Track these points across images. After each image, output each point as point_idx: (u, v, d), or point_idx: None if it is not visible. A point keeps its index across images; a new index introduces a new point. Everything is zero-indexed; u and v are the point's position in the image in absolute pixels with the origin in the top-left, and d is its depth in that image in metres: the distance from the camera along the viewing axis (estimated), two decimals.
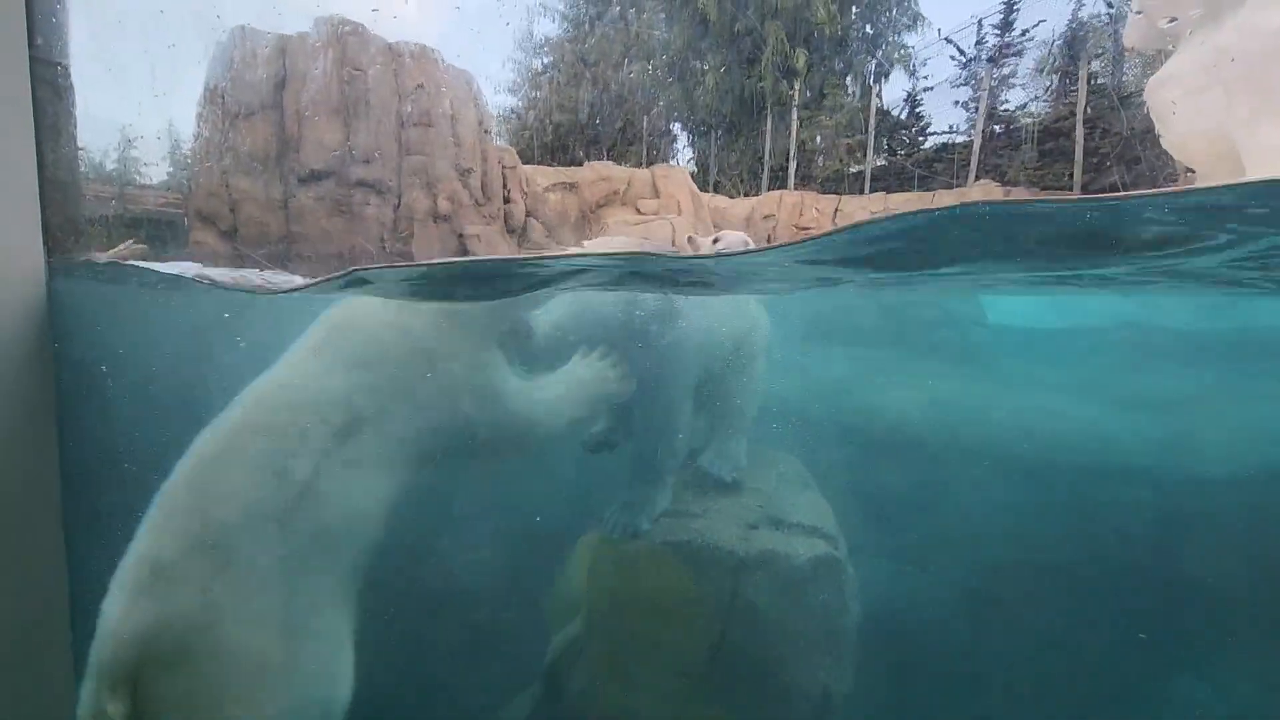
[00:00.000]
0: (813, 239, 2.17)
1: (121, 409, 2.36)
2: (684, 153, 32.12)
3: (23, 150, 1.69)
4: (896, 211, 1.86)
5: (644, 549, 3.14)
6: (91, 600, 1.88)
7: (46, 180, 1.73)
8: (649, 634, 3.06)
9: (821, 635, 3.14)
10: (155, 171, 14.50)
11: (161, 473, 2.31)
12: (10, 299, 1.71)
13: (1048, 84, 21.31)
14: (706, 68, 27.53)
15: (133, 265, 2.78)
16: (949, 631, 4.28)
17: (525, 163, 21.10)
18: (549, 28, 33.73)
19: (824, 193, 21.97)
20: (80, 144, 1.95)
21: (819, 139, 25.16)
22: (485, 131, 16.39)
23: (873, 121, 23.58)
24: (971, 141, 20.97)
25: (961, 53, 23.49)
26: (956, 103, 23.10)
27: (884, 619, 3.82)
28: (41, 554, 1.98)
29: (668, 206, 18.81)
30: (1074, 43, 20.08)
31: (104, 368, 2.21)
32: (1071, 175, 18.31)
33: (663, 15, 28.66)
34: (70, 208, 1.79)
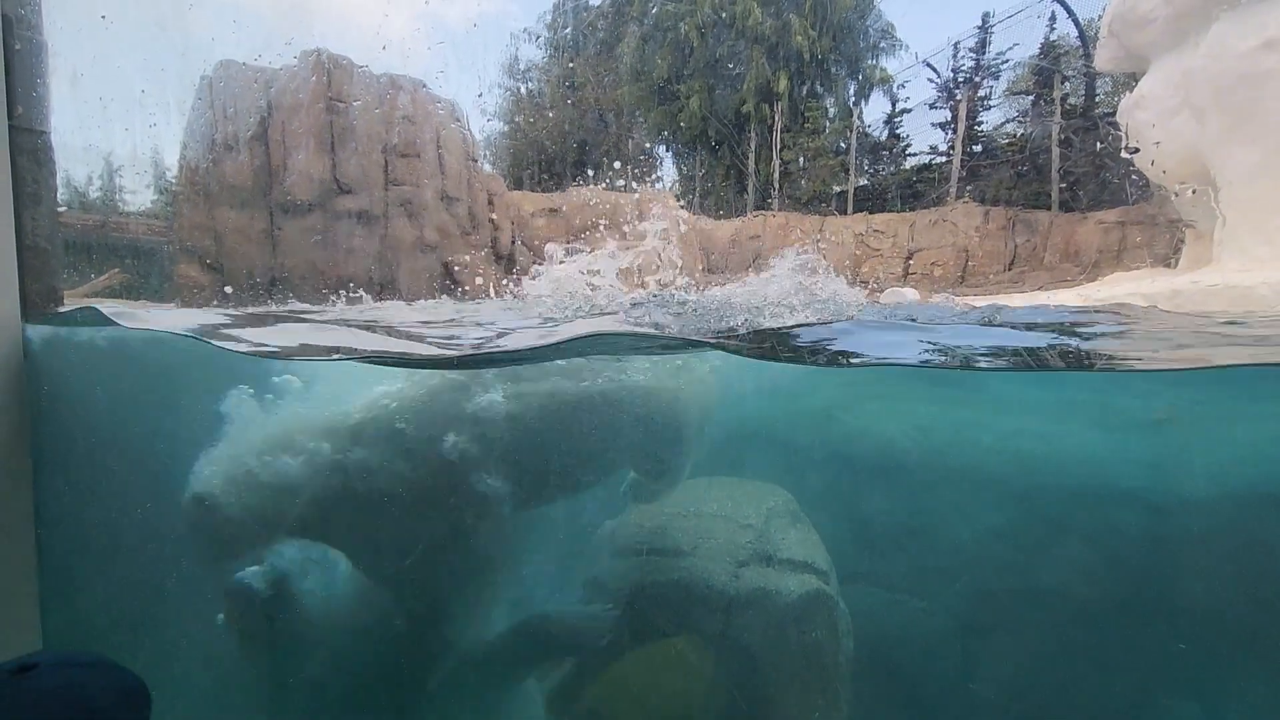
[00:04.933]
0: None
1: (96, 469, 2.34)
2: (669, 175, 32.48)
3: (1, 218, 1.69)
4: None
5: (637, 594, 3.12)
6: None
7: (25, 247, 1.73)
8: (641, 677, 3.02)
9: (814, 674, 3.11)
10: (139, 199, 14.47)
11: (133, 520, 2.27)
12: None
13: (1023, 105, 21.77)
14: (690, 91, 27.91)
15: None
16: (942, 660, 4.26)
17: (511, 188, 21.22)
18: (534, 53, 34.15)
19: (808, 213, 22.21)
20: (60, 208, 1.95)
21: (801, 160, 25.50)
22: (471, 160, 16.49)
23: (854, 143, 23.96)
24: (951, 161, 21.33)
25: (939, 75, 23.98)
26: (935, 124, 23.52)
27: (877, 651, 3.80)
28: (15, 623, 1.94)
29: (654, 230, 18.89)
30: (1047, 65, 20.57)
31: (79, 432, 2.19)
32: (1049, 194, 18.64)
33: (647, 41, 29.11)
34: (48, 275, 1.78)
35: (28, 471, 1.88)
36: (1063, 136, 18.56)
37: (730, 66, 27.19)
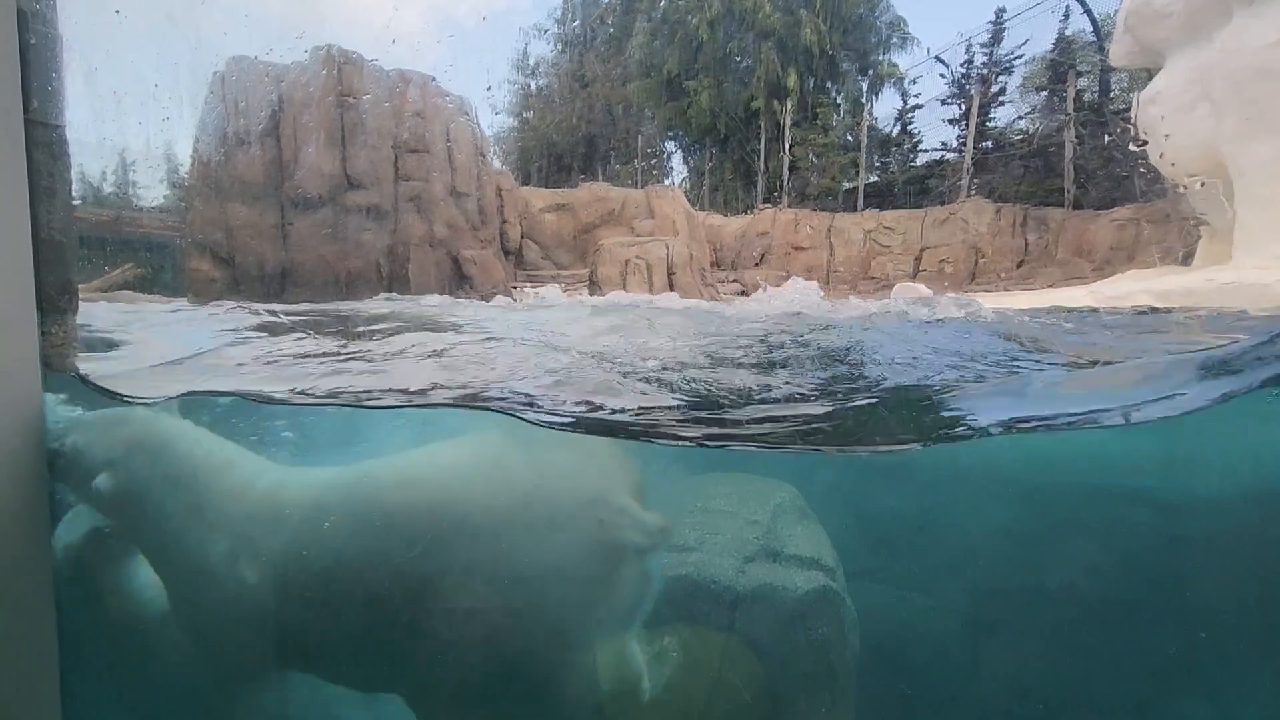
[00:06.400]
0: None
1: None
2: (678, 171, 32.43)
3: (16, 213, 1.71)
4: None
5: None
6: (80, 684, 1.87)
7: (41, 241, 1.75)
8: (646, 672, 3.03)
9: (820, 670, 3.11)
10: (152, 194, 14.60)
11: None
12: (2, 359, 1.71)
13: (1036, 101, 21.58)
14: (699, 87, 27.81)
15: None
16: (950, 658, 4.25)
17: (521, 184, 21.25)
18: (543, 49, 34.15)
19: (817, 210, 22.12)
20: (74, 201, 1.97)
21: (811, 156, 25.38)
22: (481, 155, 16.52)
23: (864, 139, 23.82)
24: (962, 158, 21.17)
25: (950, 71, 23.79)
26: (947, 120, 23.36)
27: (884, 648, 3.79)
28: (34, 660, 1.95)
29: (662, 226, 18.91)
30: (1061, 60, 20.36)
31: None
32: (1062, 190, 18.48)
33: (656, 36, 29.02)
34: (64, 268, 1.81)
35: (44, 472, 1.90)
36: (1082, 128, 18.36)
37: (739, 60, 27.06)
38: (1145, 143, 10.96)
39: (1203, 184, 10.19)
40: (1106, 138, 17.45)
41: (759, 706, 2.97)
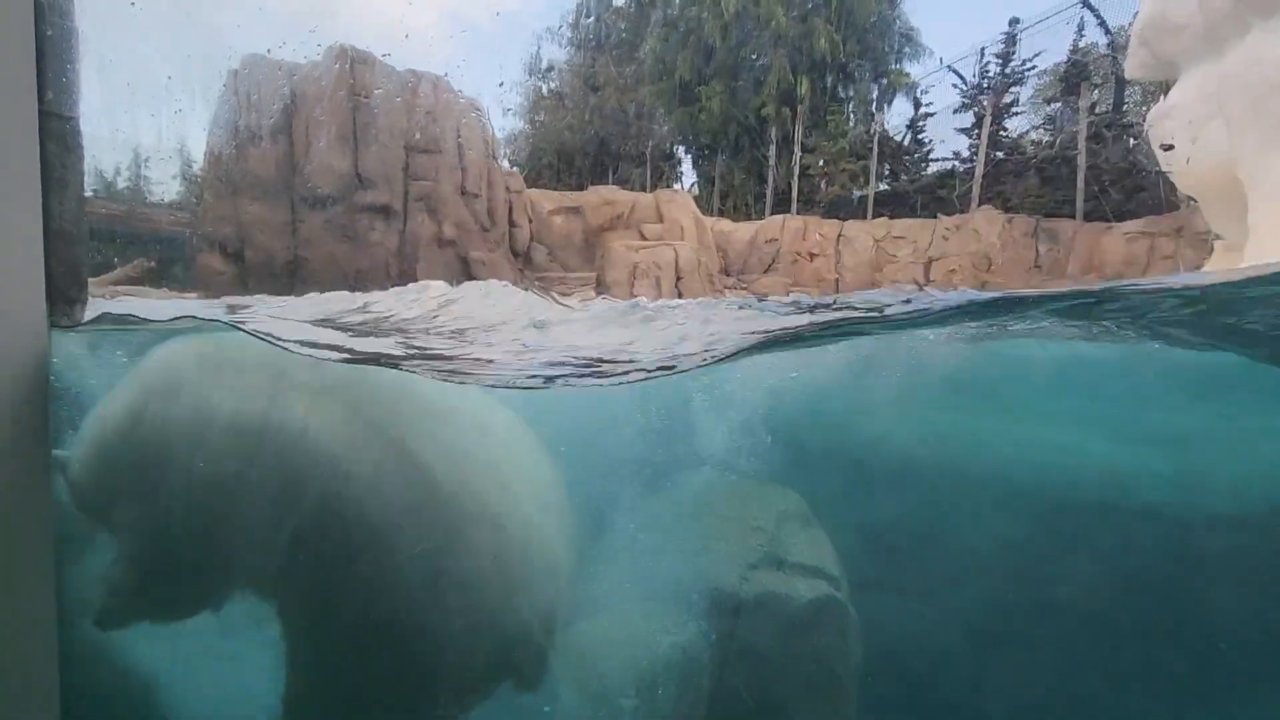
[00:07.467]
0: None
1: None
2: (688, 176, 32.44)
3: (28, 204, 1.72)
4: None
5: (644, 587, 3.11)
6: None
7: (52, 232, 1.75)
8: (646, 677, 3.01)
9: (822, 678, 3.09)
10: (166, 190, 14.70)
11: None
12: (10, 350, 1.71)
13: (1049, 111, 21.47)
14: (711, 93, 27.83)
15: None
16: (953, 670, 4.21)
17: (530, 186, 21.28)
18: (555, 52, 34.25)
19: (827, 217, 22.04)
20: (87, 194, 1.97)
21: (822, 164, 25.32)
22: (491, 157, 16.56)
23: (875, 147, 23.76)
24: (974, 168, 21.08)
25: (963, 81, 23.70)
26: (959, 130, 23.25)
27: (887, 658, 3.76)
28: (33, 639, 1.94)
29: (671, 230, 18.89)
30: (1075, 71, 20.26)
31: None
32: (1073, 202, 18.36)
33: (669, 40, 29.06)
34: (74, 259, 1.81)
35: (49, 463, 1.90)
36: (1106, 129, 18.18)
37: (754, 57, 27.02)
38: (1171, 146, 10.82)
39: (1242, 180, 10.01)
40: (1132, 140, 17.28)
41: (761, 713, 2.95)
